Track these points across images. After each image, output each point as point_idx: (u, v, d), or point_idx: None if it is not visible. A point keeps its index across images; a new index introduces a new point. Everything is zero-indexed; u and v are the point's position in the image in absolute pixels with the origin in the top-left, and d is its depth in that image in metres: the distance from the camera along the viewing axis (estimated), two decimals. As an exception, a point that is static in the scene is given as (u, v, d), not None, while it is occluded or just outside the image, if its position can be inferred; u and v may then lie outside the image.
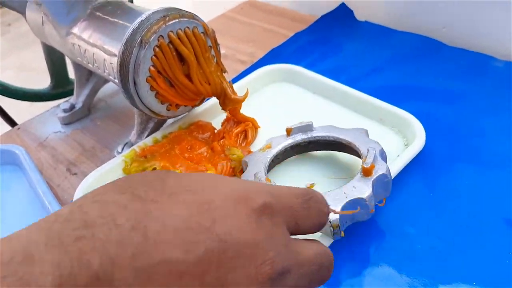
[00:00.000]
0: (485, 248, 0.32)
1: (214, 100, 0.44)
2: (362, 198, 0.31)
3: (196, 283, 0.16)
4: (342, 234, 0.30)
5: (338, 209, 0.30)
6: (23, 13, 0.47)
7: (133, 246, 0.16)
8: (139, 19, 0.35)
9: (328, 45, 0.59)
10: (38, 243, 0.15)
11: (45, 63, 0.53)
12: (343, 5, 0.64)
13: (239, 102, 0.41)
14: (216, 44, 0.39)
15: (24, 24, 0.48)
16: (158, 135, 0.41)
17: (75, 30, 0.40)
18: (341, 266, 0.32)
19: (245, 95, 0.42)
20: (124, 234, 0.16)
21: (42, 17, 0.42)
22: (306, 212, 0.21)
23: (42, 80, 0.60)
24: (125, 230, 0.16)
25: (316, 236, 0.32)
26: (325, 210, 0.22)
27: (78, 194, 0.36)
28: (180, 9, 0.36)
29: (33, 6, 0.43)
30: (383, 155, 0.35)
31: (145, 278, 0.16)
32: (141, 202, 0.17)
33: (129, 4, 0.40)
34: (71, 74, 0.50)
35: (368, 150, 0.33)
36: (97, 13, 0.39)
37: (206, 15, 0.72)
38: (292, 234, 0.20)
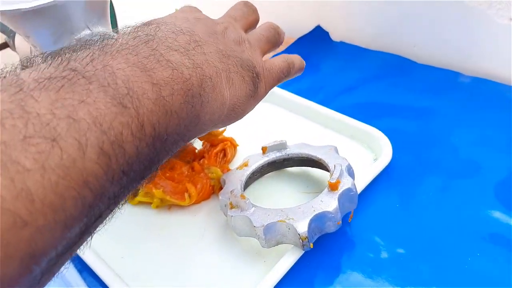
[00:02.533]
0: (446, 255, 0.35)
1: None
2: (328, 211, 0.33)
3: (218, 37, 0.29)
4: (311, 245, 0.33)
5: (306, 222, 0.32)
6: (9, 35, 0.49)
7: (188, 35, 0.26)
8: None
9: (305, 66, 0.62)
10: None
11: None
12: (318, 27, 0.67)
13: (215, 135, 0.44)
14: None
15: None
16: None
17: (62, 59, 0.43)
18: (313, 276, 0.34)
19: (223, 130, 0.45)
20: (186, 37, 0.26)
21: (30, 47, 0.45)
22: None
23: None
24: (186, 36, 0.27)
25: (288, 247, 0.34)
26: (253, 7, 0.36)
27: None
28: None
29: (21, 39, 0.46)
30: (350, 171, 0.38)
31: (203, 45, 0.26)
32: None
33: (114, 34, 0.43)
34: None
35: (335, 166, 0.36)
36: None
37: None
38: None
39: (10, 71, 0.18)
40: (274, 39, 0.35)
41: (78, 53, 0.20)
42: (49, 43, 0.42)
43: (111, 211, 0.20)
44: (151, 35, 0.23)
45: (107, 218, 0.20)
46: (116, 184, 0.18)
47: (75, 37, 0.43)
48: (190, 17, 0.29)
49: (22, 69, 0.19)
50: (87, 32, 0.43)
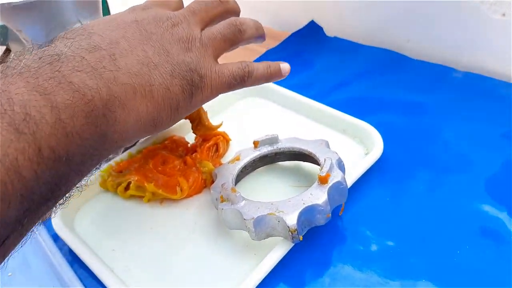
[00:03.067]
0: (435, 248, 0.35)
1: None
2: (318, 204, 0.33)
3: (152, 29, 0.29)
4: (301, 238, 0.33)
5: (296, 215, 0.33)
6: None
7: (108, 36, 0.26)
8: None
9: (299, 61, 0.62)
10: None
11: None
12: (312, 22, 0.68)
13: (211, 129, 0.44)
14: None
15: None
16: (133, 150, 0.44)
17: (54, 53, 0.43)
18: (303, 269, 0.35)
19: (219, 125, 0.45)
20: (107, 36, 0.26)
21: (23, 42, 0.45)
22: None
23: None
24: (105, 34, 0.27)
25: (278, 240, 0.35)
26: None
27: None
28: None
29: (14, 33, 0.46)
30: (340, 164, 0.38)
31: (124, 43, 0.26)
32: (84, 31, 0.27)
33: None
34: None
35: (325, 160, 0.36)
36: (74, 37, 0.42)
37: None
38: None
39: None
40: (232, 36, 0.32)
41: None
42: (41, 37, 0.42)
43: (21, 235, 0.20)
44: (56, 55, 0.22)
45: (18, 242, 0.20)
46: (15, 208, 0.18)
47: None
48: (130, 18, 0.28)
49: None
50: (78, 26, 0.43)
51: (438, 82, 0.56)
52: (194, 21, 0.31)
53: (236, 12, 0.35)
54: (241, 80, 0.32)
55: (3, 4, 0.39)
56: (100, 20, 0.28)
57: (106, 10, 0.54)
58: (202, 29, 0.31)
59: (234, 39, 0.32)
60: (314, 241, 0.36)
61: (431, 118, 0.49)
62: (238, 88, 0.32)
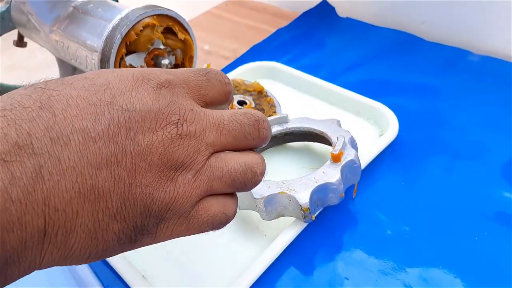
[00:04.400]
0: (452, 234, 0.34)
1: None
2: (331, 183, 0.32)
3: (110, 143, 0.18)
4: (313, 218, 0.32)
5: (308, 193, 0.31)
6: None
7: (44, 121, 0.17)
8: (118, 16, 0.36)
9: (310, 41, 0.61)
10: None
11: (39, 61, 0.54)
12: (324, 2, 0.66)
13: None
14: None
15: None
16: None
17: (58, 27, 0.41)
18: (315, 250, 0.33)
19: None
20: (34, 113, 0.17)
21: (27, 15, 0.43)
22: (207, 83, 0.22)
23: (34, 79, 0.62)
24: (33, 111, 0.17)
25: (289, 220, 0.33)
26: (225, 80, 0.23)
27: None
28: (158, 6, 0.38)
29: (18, 6, 0.44)
30: (353, 143, 0.36)
31: (62, 145, 0.17)
32: (42, 90, 0.18)
33: (111, 2, 0.41)
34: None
35: (337, 138, 0.35)
36: (79, 11, 0.41)
37: (192, 12, 0.74)
38: (202, 106, 0.22)
39: None
40: (240, 185, 0.22)
41: None
42: (45, 10, 0.41)
43: None
44: None
45: None
46: None
47: (72, 5, 0.41)
48: (121, 101, 0.19)
49: None
50: (84, -1, 0.41)
51: (453, 65, 0.54)
52: (213, 140, 0.21)
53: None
54: (219, 228, 0.22)
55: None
56: (79, 78, 0.20)
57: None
58: (212, 154, 0.21)
59: (240, 187, 0.22)
60: (326, 223, 0.35)
61: (446, 102, 0.48)
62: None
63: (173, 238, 0.21)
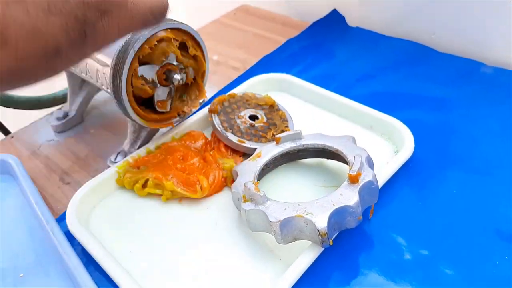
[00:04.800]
0: (475, 259, 0.33)
1: (206, 110, 0.45)
2: (349, 206, 0.31)
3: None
4: (331, 242, 0.31)
5: (326, 217, 0.30)
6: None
7: None
8: (130, 31, 0.35)
9: (320, 52, 0.60)
10: None
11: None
12: (335, 11, 0.65)
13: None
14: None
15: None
16: (151, 145, 0.41)
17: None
18: (330, 275, 0.33)
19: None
20: None
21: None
22: None
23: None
24: None
25: (306, 244, 0.33)
26: None
27: (71, 206, 0.36)
28: (172, 20, 0.37)
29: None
30: (370, 162, 0.36)
31: None
32: None
33: None
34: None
35: (354, 158, 0.34)
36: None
37: (200, 21, 0.73)
38: None
39: None
40: None
41: None
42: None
43: None
44: None
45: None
46: None
47: None
48: None
49: None
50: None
51: (466, 77, 0.53)
52: None
53: None
54: (161, 15, 0.24)
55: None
56: None
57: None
58: None
59: None
60: (342, 246, 0.34)
61: (460, 115, 0.47)
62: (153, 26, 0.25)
63: (123, 34, 0.22)
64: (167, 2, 0.24)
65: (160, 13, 0.24)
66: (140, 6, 0.22)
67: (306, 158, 0.41)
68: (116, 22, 0.21)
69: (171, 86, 0.39)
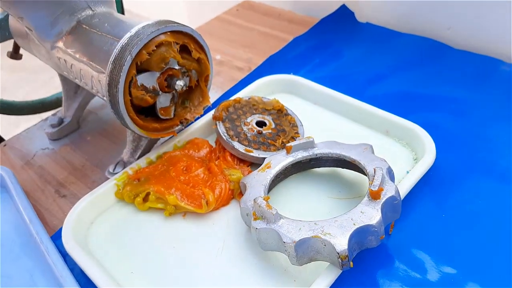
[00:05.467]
0: (506, 277, 0.30)
1: (210, 116, 0.42)
2: (371, 225, 0.28)
3: None
4: (351, 265, 0.28)
5: (346, 238, 0.28)
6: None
7: None
8: (128, 34, 0.32)
9: (329, 50, 0.57)
10: None
11: (40, 62, 0.51)
12: (343, 6, 0.62)
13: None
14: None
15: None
16: (152, 155, 0.39)
17: (60, 44, 0.37)
18: (349, 295, 0.30)
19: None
20: None
21: (26, 30, 0.39)
22: None
23: (34, 81, 0.58)
24: None
25: (323, 265, 0.30)
26: None
27: (67, 224, 0.33)
28: (171, 22, 0.34)
29: (15, 20, 0.41)
30: (390, 174, 0.33)
31: None
32: None
33: (118, 15, 0.37)
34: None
35: (375, 170, 0.31)
36: (84, 26, 0.37)
37: (200, 18, 0.70)
38: None
39: None
40: None
41: None
42: (46, 25, 0.37)
43: None
44: None
45: None
46: None
47: (75, 19, 0.37)
48: None
49: None
50: (88, 12, 0.38)
51: (485, 75, 0.50)
52: None
53: None
54: None
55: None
56: None
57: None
58: None
59: None
60: (362, 264, 0.32)
61: (481, 118, 0.44)
62: None
63: None
64: None
65: None
66: None
67: (319, 167, 0.38)
68: None
69: (173, 92, 0.36)
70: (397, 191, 0.31)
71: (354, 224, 0.29)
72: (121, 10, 0.55)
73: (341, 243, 0.28)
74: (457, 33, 0.56)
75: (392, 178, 0.33)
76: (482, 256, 0.31)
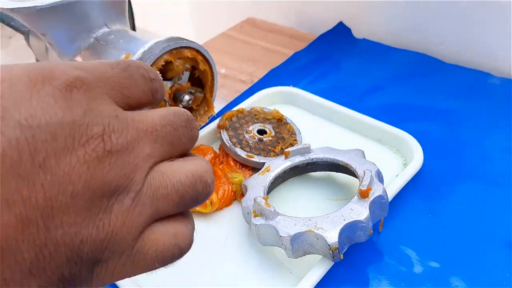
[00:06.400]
0: (485, 271, 0.33)
1: (214, 124, 0.45)
2: (359, 221, 0.31)
3: (9, 177, 0.13)
4: (342, 257, 0.31)
5: (337, 232, 0.31)
6: (23, 32, 0.48)
7: None
8: (141, 50, 0.36)
9: (327, 64, 0.60)
10: None
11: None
12: (341, 23, 0.65)
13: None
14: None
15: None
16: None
17: (79, 58, 0.41)
18: (341, 288, 0.33)
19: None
20: None
21: (46, 45, 0.43)
22: (129, 80, 0.17)
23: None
24: None
25: (317, 257, 0.33)
26: (151, 74, 0.18)
27: None
28: (181, 38, 0.37)
29: (37, 36, 0.45)
30: (379, 176, 0.36)
31: None
32: None
33: (132, 32, 0.41)
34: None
35: (364, 172, 0.34)
36: (101, 42, 0.41)
37: (207, 34, 0.74)
38: (125, 109, 0.17)
39: None
40: (191, 201, 0.17)
41: None
42: (66, 41, 0.41)
43: None
44: None
45: None
46: None
47: (93, 35, 0.41)
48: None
49: None
50: (105, 30, 0.41)
51: (474, 88, 0.53)
52: (149, 151, 0.16)
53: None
54: (169, 264, 0.18)
55: (28, 7, 0.38)
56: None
57: (131, 15, 0.53)
58: (151, 168, 0.16)
59: (191, 203, 0.17)
60: (352, 259, 0.34)
61: (469, 127, 0.47)
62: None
63: (115, 281, 0.17)
64: (187, 247, 0.18)
65: (172, 263, 0.18)
66: (149, 255, 0.16)
67: (314, 171, 0.41)
68: (110, 273, 0.16)
69: (180, 105, 0.40)
70: (385, 191, 0.33)
71: (344, 220, 0.31)
72: (132, 27, 0.59)
73: (332, 236, 0.31)
74: (449, 49, 0.60)
75: (381, 179, 0.36)
76: (464, 252, 0.34)
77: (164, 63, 0.37)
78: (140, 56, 0.36)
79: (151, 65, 0.36)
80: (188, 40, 0.38)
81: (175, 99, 0.39)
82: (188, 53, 0.38)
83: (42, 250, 0.13)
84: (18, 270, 0.13)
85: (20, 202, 0.13)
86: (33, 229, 0.13)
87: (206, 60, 0.40)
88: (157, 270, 0.17)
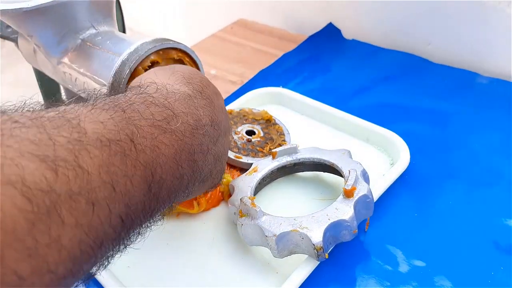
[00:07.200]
0: (471, 270, 0.33)
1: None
2: (344, 220, 0.31)
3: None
4: (326, 256, 0.31)
5: (321, 232, 0.31)
6: (13, 40, 0.48)
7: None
8: (127, 51, 0.36)
9: (317, 65, 0.60)
10: None
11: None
12: (330, 24, 0.66)
13: None
14: None
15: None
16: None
17: (66, 59, 0.41)
18: (326, 287, 0.33)
19: None
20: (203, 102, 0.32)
21: (34, 47, 0.43)
22: None
23: (38, 97, 0.61)
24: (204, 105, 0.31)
25: (302, 258, 0.33)
26: None
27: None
28: (167, 40, 0.37)
29: (24, 38, 0.44)
30: (365, 176, 0.36)
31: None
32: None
33: (119, 34, 0.41)
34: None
35: (349, 172, 0.34)
36: (88, 44, 0.41)
37: (197, 36, 0.74)
38: None
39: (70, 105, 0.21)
40: None
41: (138, 112, 0.22)
42: (53, 43, 0.41)
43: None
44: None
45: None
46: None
47: (80, 37, 0.41)
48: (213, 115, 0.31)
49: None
50: (92, 31, 0.41)
51: (462, 88, 0.54)
52: None
53: None
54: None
55: (14, 9, 0.38)
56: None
57: (120, 15, 0.53)
58: None
59: None
60: (338, 258, 0.34)
61: (457, 127, 0.47)
62: None
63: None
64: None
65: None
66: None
67: (302, 171, 0.42)
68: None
69: None
70: (369, 191, 0.34)
71: (329, 219, 0.32)
72: (122, 28, 0.59)
73: (317, 236, 0.31)
74: (437, 49, 0.60)
75: (366, 179, 0.36)
76: (449, 251, 0.34)
77: (150, 64, 0.37)
78: (126, 57, 0.36)
79: (137, 66, 0.36)
80: (174, 41, 0.38)
81: None
82: (174, 55, 0.38)
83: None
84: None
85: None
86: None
87: (193, 61, 0.40)
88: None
